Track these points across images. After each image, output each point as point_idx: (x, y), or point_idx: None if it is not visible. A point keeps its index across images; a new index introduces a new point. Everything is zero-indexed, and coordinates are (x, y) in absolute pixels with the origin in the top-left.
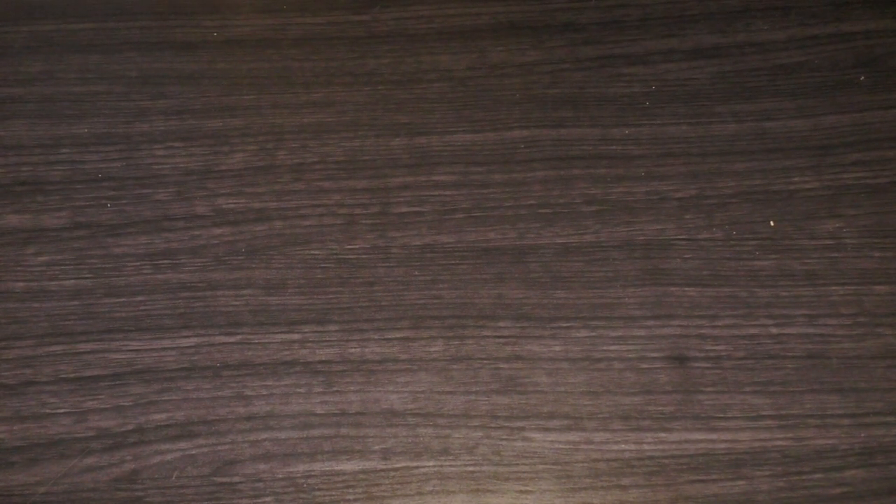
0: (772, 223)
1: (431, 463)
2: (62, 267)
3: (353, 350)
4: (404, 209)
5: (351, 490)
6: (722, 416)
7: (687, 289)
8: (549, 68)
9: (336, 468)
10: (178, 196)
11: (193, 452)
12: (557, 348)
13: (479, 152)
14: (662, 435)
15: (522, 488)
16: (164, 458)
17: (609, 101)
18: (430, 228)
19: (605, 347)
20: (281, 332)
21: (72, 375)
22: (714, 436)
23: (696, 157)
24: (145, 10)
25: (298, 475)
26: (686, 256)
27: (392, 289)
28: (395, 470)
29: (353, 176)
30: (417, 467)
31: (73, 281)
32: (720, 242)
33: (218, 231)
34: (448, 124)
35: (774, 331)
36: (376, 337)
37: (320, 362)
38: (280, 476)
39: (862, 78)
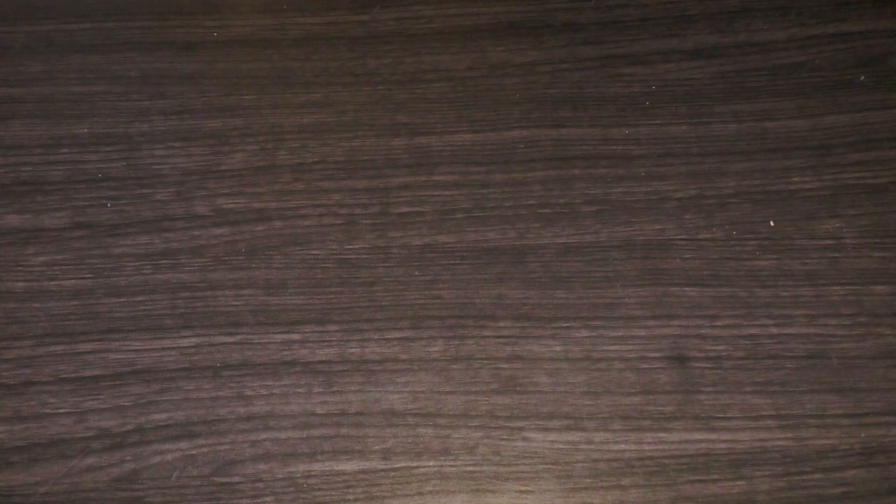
0: (772, 223)
1: (431, 463)
2: (62, 267)
3: (353, 350)
4: (404, 209)
5: (351, 490)
6: (722, 416)
7: (687, 289)
8: (549, 68)
9: (336, 468)
10: (178, 196)
11: (193, 452)
12: (557, 348)
13: (479, 152)
14: (662, 435)
15: (522, 488)
16: (164, 458)
17: (609, 101)
18: (430, 228)
19: (605, 347)
20: (281, 332)
21: (72, 375)
22: (714, 436)
23: (696, 157)
24: (145, 10)
25: (298, 475)
26: (686, 256)
27: (392, 289)
28: (395, 470)
29: (353, 176)
30: (417, 467)
31: (73, 281)
32: (720, 242)
33: (218, 231)
34: (448, 124)
35: (774, 331)
36: (376, 337)
37: (320, 362)
38: (280, 476)
39: (862, 78)
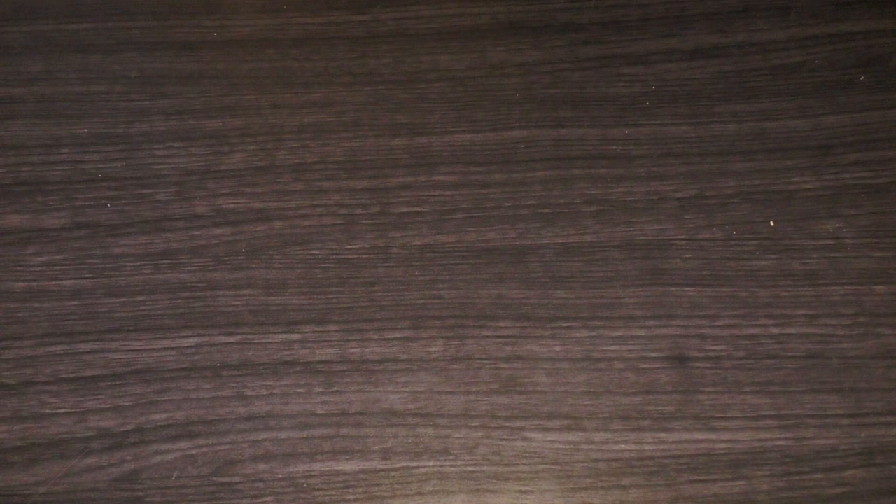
0: (772, 223)
1: (431, 463)
2: (62, 267)
3: (353, 350)
4: (404, 209)
5: (351, 490)
6: (722, 416)
7: (687, 289)
8: (549, 68)
9: (336, 468)
10: (178, 196)
11: (193, 452)
12: (557, 348)
13: (479, 152)
14: (662, 435)
15: (522, 488)
16: (164, 458)
17: (609, 101)
18: (430, 228)
19: (605, 347)
20: (281, 332)
21: (72, 375)
22: (714, 436)
23: (696, 157)
24: (145, 10)
25: (298, 475)
26: (686, 256)
27: (392, 289)
28: (395, 470)
29: (353, 176)
30: (417, 467)
31: (73, 281)
32: (720, 242)
33: (218, 231)
34: (448, 124)
35: (774, 331)
36: (376, 337)
37: (320, 362)
38: (280, 476)
39: (862, 78)
